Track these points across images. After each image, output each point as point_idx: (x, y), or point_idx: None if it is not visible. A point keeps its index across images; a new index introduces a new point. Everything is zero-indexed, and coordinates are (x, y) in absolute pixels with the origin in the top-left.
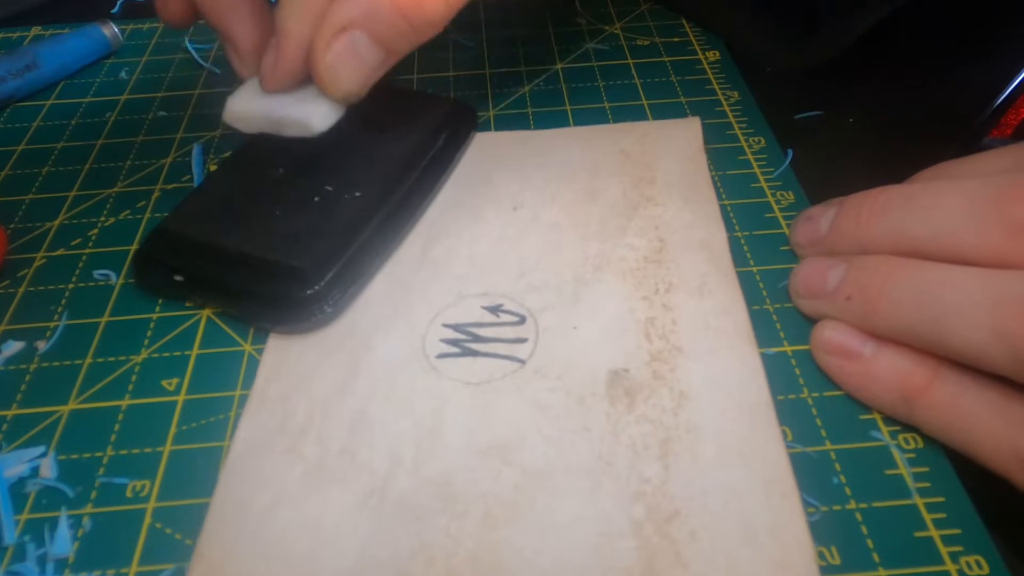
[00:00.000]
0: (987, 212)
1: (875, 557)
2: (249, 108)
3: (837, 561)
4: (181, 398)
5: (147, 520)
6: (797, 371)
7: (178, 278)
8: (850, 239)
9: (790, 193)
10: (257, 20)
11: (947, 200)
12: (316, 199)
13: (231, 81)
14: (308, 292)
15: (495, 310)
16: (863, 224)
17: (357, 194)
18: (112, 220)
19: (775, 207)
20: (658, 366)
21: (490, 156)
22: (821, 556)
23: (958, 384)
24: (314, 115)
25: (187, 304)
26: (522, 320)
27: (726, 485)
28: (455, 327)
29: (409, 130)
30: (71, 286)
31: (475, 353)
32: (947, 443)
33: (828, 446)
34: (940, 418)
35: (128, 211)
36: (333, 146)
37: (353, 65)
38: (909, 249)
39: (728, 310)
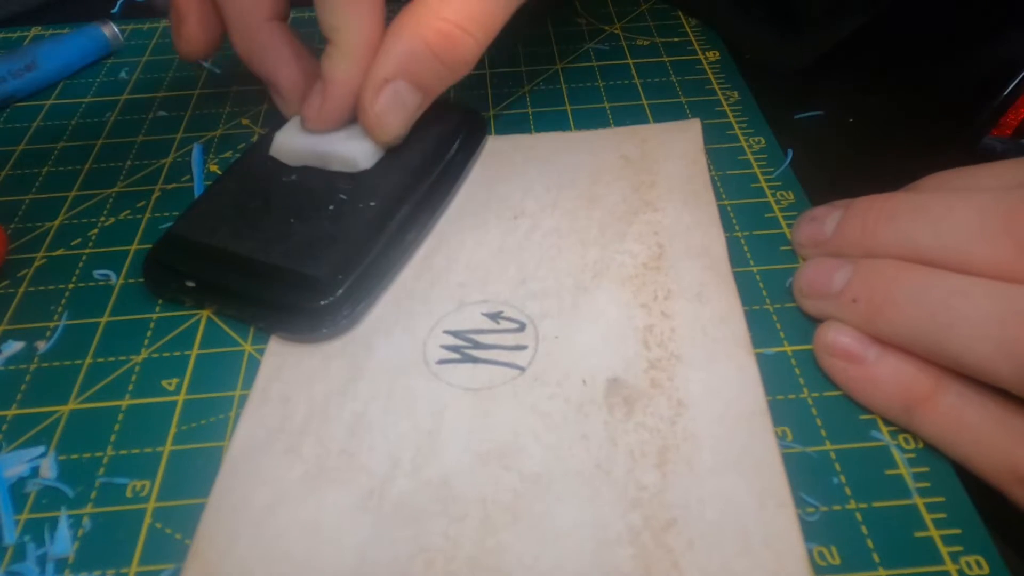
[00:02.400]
0: (998, 228)
1: (875, 557)
2: (296, 144)
3: (837, 561)
4: (181, 398)
5: (147, 520)
6: (797, 371)
7: (190, 284)
8: (855, 243)
9: (790, 193)
10: (298, 63)
11: (957, 213)
12: (331, 207)
13: (231, 82)
14: (323, 302)
15: (495, 317)
16: (869, 229)
17: (372, 203)
18: (112, 220)
19: (775, 207)
20: (656, 374)
21: (492, 162)
22: (821, 556)
23: (960, 395)
24: (361, 154)
25: (186, 303)
26: (522, 327)
27: (723, 494)
28: (456, 334)
29: (422, 138)
30: (71, 286)
31: (475, 360)
32: (945, 453)
33: (828, 446)
34: (939, 428)
35: (128, 211)
36: None
37: (397, 112)
38: (915, 258)
39: (726, 318)
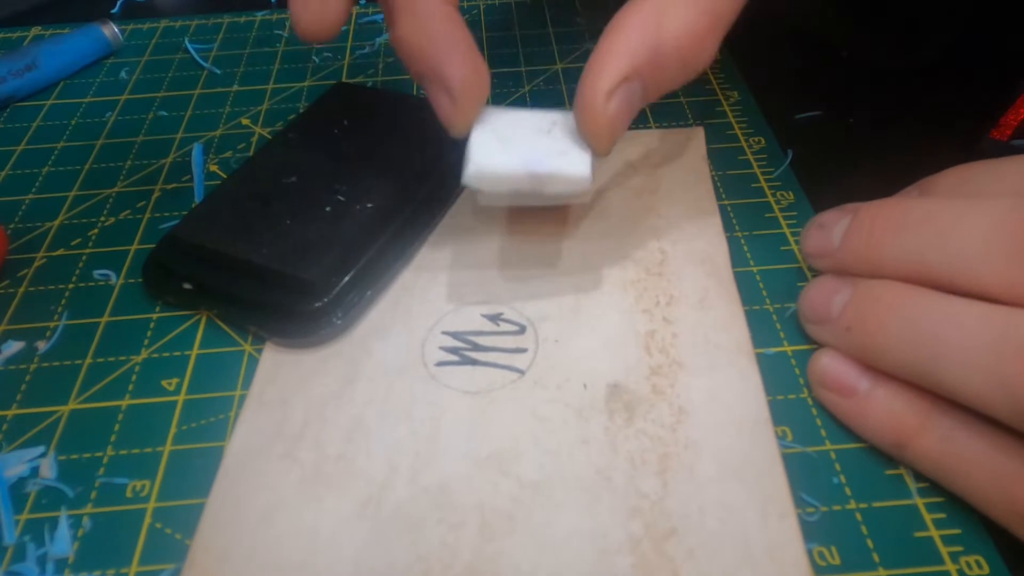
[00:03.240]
0: (1011, 245)
1: (875, 557)
2: (502, 165)
3: (837, 561)
4: (181, 398)
5: (147, 520)
6: (797, 371)
7: (187, 286)
8: (861, 258)
9: (790, 193)
10: (473, 55)
11: (969, 225)
12: (328, 208)
13: (231, 82)
14: (316, 305)
15: (495, 319)
16: (875, 243)
17: (369, 205)
18: (112, 220)
19: (775, 207)
20: (658, 380)
21: None
22: (821, 556)
23: (950, 430)
24: (587, 168)
25: (184, 305)
26: (522, 330)
27: (724, 503)
28: (455, 335)
29: (426, 140)
30: (71, 286)
31: (474, 362)
32: (942, 486)
33: (828, 446)
34: (931, 465)
35: (128, 211)
36: (348, 156)
37: (628, 118)
38: (922, 275)
39: (728, 325)
